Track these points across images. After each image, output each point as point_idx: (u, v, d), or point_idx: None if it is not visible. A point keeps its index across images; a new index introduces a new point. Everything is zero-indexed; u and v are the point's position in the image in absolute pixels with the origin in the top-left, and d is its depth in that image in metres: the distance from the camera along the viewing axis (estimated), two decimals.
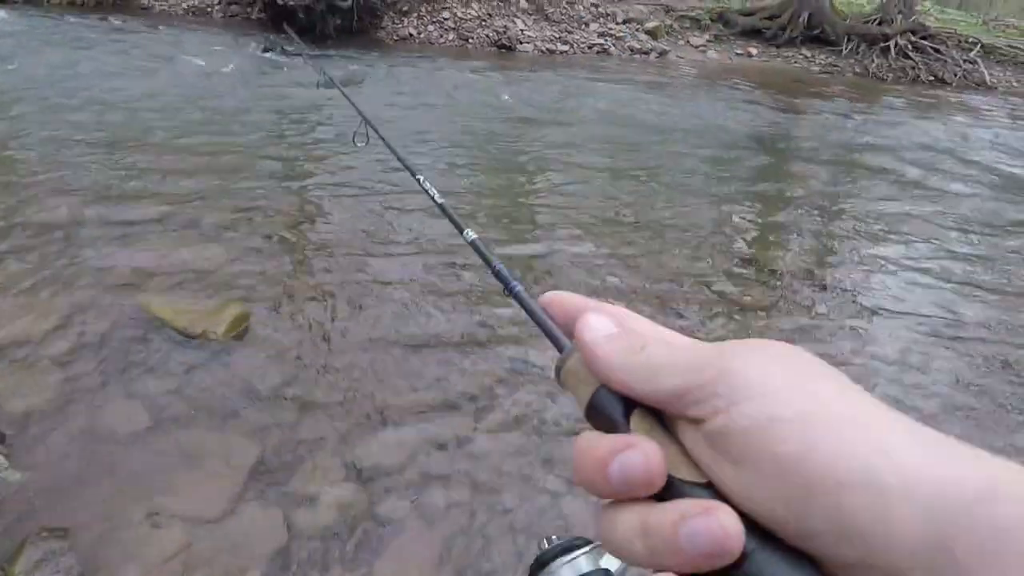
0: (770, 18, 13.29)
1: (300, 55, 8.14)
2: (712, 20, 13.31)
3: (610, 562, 0.50)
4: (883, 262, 4.16)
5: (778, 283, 3.68)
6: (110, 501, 1.87)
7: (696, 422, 0.25)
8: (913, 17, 13.45)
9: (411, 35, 10.60)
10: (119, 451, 2.06)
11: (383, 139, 0.75)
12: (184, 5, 10.06)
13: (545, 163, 5.43)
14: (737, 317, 3.28)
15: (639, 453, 0.24)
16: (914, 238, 4.62)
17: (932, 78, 12.61)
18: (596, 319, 0.29)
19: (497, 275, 0.41)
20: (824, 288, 3.70)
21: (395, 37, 10.46)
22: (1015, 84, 12.98)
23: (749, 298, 3.47)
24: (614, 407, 0.27)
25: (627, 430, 0.26)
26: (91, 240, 3.18)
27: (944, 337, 3.30)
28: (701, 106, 8.33)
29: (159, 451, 2.08)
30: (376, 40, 10.08)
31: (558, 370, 0.30)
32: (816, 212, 5.02)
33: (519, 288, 0.38)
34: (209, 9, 10.16)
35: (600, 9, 12.54)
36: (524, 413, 2.42)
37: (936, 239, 4.64)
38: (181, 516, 1.86)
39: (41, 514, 1.80)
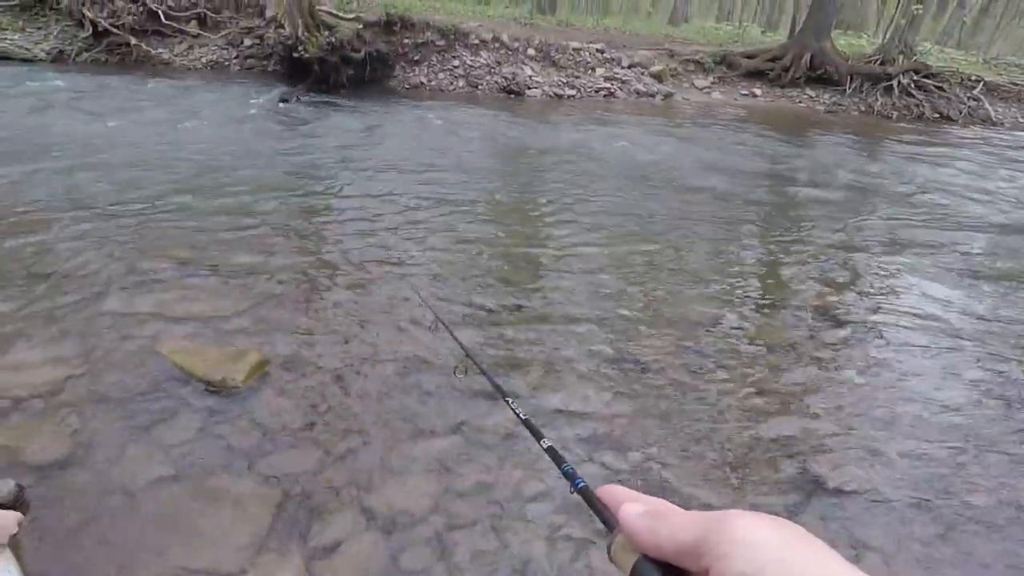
0: (772, 60, 13.60)
1: (314, 104, 8.42)
2: (716, 63, 13.64)
3: None
4: (896, 295, 4.11)
5: (794, 319, 3.63)
6: (129, 555, 1.82)
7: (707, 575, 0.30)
8: (914, 57, 13.72)
9: (422, 83, 10.93)
10: (138, 502, 2.02)
11: (483, 370, 0.87)
12: (204, 60, 10.48)
13: (555, 203, 5.48)
14: (752, 353, 3.22)
15: None
16: (927, 272, 4.57)
17: (937, 115, 12.76)
18: (632, 505, 0.37)
19: (566, 475, 0.50)
20: (838, 323, 3.64)
21: (407, 85, 10.78)
22: (1021, 120, 13.08)
23: (764, 334, 3.42)
24: (652, 572, 0.34)
25: None
26: (110, 289, 3.22)
27: (956, 371, 3.22)
28: (709, 145, 8.44)
29: (178, 502, 2.04)
30: (388, 89, 10.39)
31: (608, 546, 0.38)
32: (830, 247, 5.00)
33: (582, 484, 0.47)
34: (227, 63, 10.56)
35: (605, 55, 12.91)
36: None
37: (948, 271, 4.59)
38: (200, 571, 1.81)
39: (56, 568, 1.76)
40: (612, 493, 0.40)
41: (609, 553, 0.38)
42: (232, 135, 6.62)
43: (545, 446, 0.56)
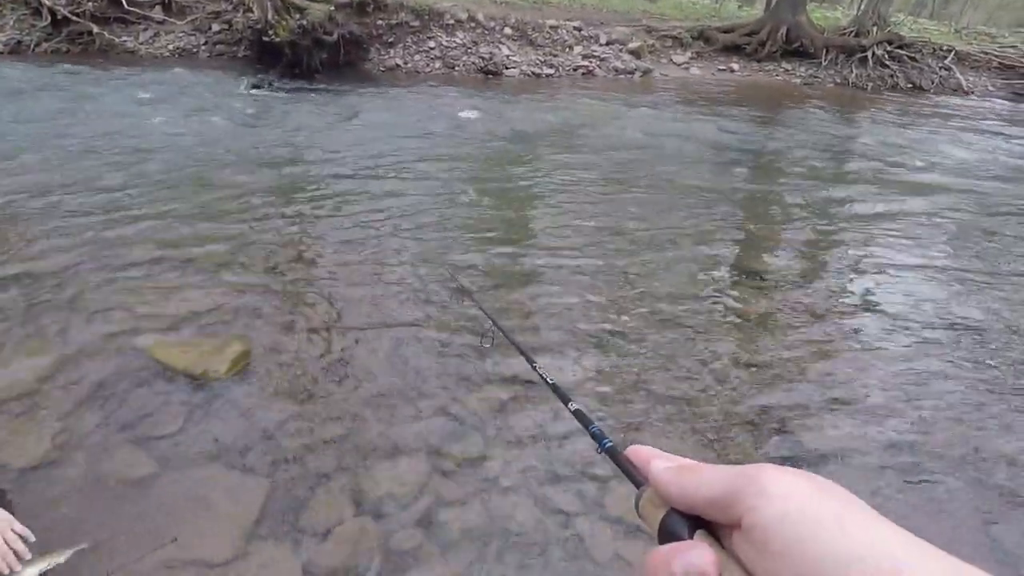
0: (749, 34, 13.59)
1: (287, 90, 8.25)
2: (693, 38, 13.59)
3: None
4: (875, 263, 4.20)
5: (776, 290, 3.69)
6: (118, 551, 1.82)
7: (737, 527, 0.31)
8: (888, 28, 13.80)
9: (398, 65, 10.75)
10: (124, 499, 2.01)
11: (509, 338, 0.88)
12: (170, 47, 10.16)
13: (538, 183, 5.47)
14: (738, 325, 3.28)
15: (698, 552, 0.31)
16: (904, 239, 4.67)
17: (910, 85, 12.89)
18: (662, 460, 0.39)
19: (593, 436, 0.51)
20: (820, 293, 3.72)
21: (382, 68, 10.60)
22: (990, 88, 13.27)
23: (748, 307, 3.48)
24: (680, 526, 0.35)
25: None
26: (87, 285, 3.16)
27: (940, 334, 3.31)
28: (688, 120, 8.45)
29: (166, 496, 2.03)
30: (363, 72, 10.21)
31: (637, 501, 0.39)
32: (809, 218, 5.07)
33: (610, 444, 0.48)
34: (195, 50, 10.26)
35: (583, 32, 12.78)
36: (532, 434, 2.40)
37: (925, 238, 4.69)
38: (192, 562, 1.82)
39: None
40: (639, 453, 0.41)
41: (637, 508, 0.39)
42: (203, 124, 6.47)
43: (573, 408, 0.58)
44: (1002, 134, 9.25)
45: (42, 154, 5.08)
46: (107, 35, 9.80)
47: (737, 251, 4.34)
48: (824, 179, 6.37)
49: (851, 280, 3.99)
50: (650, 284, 3.67)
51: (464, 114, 7.86)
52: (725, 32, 13.80)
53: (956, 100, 12.18)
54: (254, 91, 8.12)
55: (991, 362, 3.15)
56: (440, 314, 3.14)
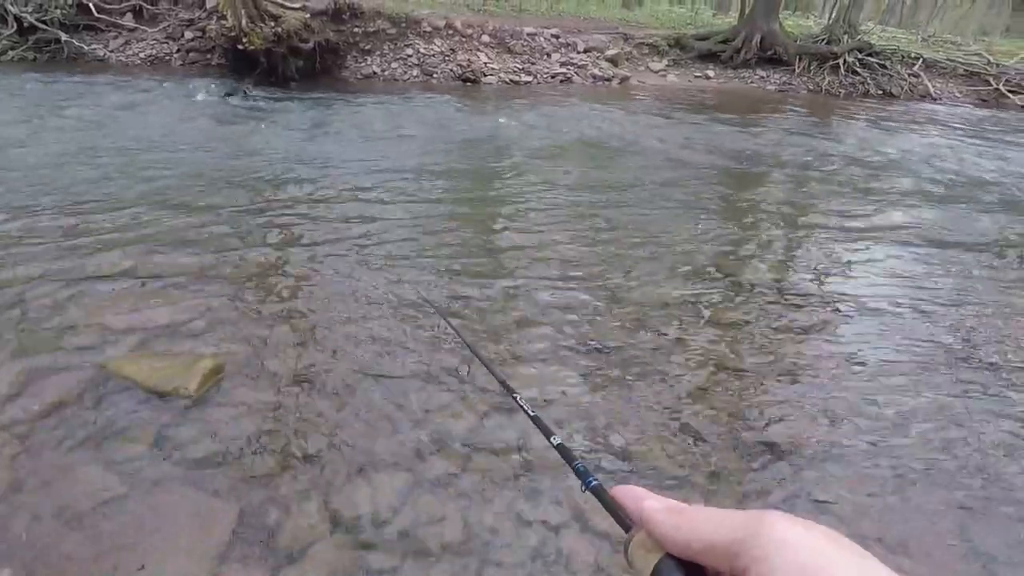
0: (724, 41, 13.82)
1: (262, 98, 8.15)
2: (670, 46, 13.77)
3: None
4: (849, 266, 4.25)
5: (751, 295, 3.72)
6: None
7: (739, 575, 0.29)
8: (858, 36, 14.14)
9: (375, 73, 10.69)
10: (90, 523, 1.93)
11: (490, 369, 0.83)
12: (142, 55, 9.98)
13: (513, 189, 5.45)
14: (713, 330, 3.28)
15: None
16: (877, 241, 4.75)
17: (881, 92, 13.21)
18: (655, 502, 0.36)
19: (577, 473, 0.48)
20: (795, 296, 3.75)
21: (359, 76, 10.54)
22: (957, 95, 13.66)
23: (722, 312, 3.49)
24: (675, 572, 0.33)
25: None
26: (48, 300, 3.05)
27: (911, 333, 3.36)
28: (666, 127, 8.53)
29: (133, 519, 1.95)
30: (340, 80, 10.14)
31: (626, 545, 0.37)
32: (784, 223, 5.13)
33: (595, 483, 0.45)
34: (168, 58, 10.09)
35: (560, 40, 12.87)
36: (512, 447, 2.36)
37: (897, 240, 4.77)
38: None
39: None
40: (628, 493, 0.39)
41: (626, 554, 0.37)
42: (176, 134, 6.34)
43: (555, 443, 0.55)
44: (972, 139, 9.51)
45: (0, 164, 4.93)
46: (76, 43, 9.60)
47: (716, 257, 4.36)
48: (802, 184, 6.47)
49: (827, 283, 4.03)
50: (620, 285, 3.66)
51: (443, 122, 7.84)
52: (701, 40, 14.01)
53: (926, 106, 12.51)
54: (228, 99, 8.00)
55: (962, 357, 3.19)
56: (418, 330, 3.09)
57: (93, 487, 2.06)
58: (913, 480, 2.39)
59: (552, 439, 0.55)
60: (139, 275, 3.36)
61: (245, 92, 8.39)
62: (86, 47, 9.68)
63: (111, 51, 9.91)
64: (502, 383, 0.74)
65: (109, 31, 10.15)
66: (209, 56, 10.15)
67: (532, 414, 0.62)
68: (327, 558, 1.90)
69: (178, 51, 10.22)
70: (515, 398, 0.68)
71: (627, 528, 0.38)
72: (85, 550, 1.84)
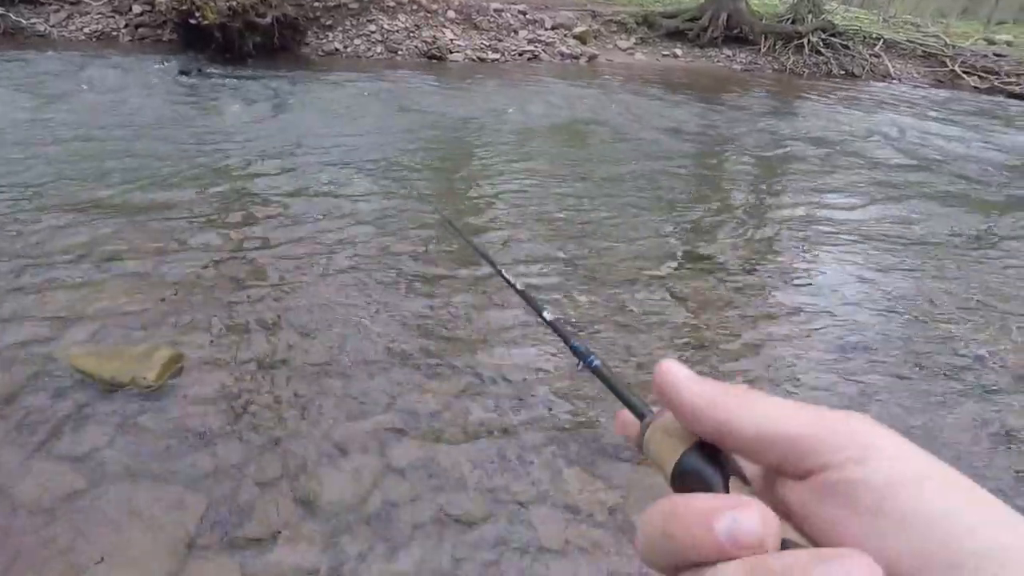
0: (692, 20, 13.83)
1: (218, 76, 7.83)
2: (637, 23, 13.72)
3: None
4: (817, 244, 4.36)
5: (722, 275, 3.78)
6: None
7: (802, 477, 0.25)
8: (822, 16, 14.32)
9: (337, 50, 10.38)
10: (48, 522, 1.86)
11: (465, 238, 0.81)
12: (87, 30, 9.44)
13: (483, 169, 5.40)
14: (683, 311, 3.34)
15: (755, 513, 0.23)
16: (842, 220, 4.87)
17: (843, 72, 13.45)
18: (677, 365, 0.29)
19: (575, 352, 0.42)
20: (764, 275, 3.83)
21: (321, 52, 10.21)
22: (915, 75, 14.01)
23: (692, 291, 3.54)
24: (710, 471, 0.26)
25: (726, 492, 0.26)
26: None
27: (880, 311, 3.48)
28: (634, 106, 8.53)
29: (95, 515, 1.89)
30: (301, 56, 9.80)
31: (641, 436, 0.31)
32: (751, 203, 5.21)
33: (597, 362, 0.39)
34: (115, 33, 9.58)
35: (528, 16, 12.68)
36: (485, 425, 2.37)
37: (862, 218, 4.91)
38: None
39: None
40: (658, 368, 0.30)
41: (642, 442, 0.31)
42: (127, 114, 6.06)
43: (548, 319, 0.48)
44: (929, 117, 9.79)
45: None
46: (13, 17, 9.02)
47: (684, 235, 4.41)
48: (765, 164, 6.57)
49: (793, 261, 4.13)
50: (592, 265, 3.68)
51: (408, 100, 7.68)
52: (668, 17, 13.99)
53: (886, 87, 12.80)
54: (181, 77, 7.66)
55: (920, 339, 3.32)
56: (387, 311, 3.05)
57: (50, 482, 1.99)
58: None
59: (544, 315, 0.49)
60: (91, 262, 3.22)
61: (200, 70, 8.05)
62: (24, 21, 9.11)
63: (52, 26, 9.35)
64: (487, 259, 0.70)
65: (50, 4, 9.56)
66: (160, 31, 9.67)
67: (520, 289, 0.57)
68: (298, 544, 1.89)
69: (126, 26, 9.70)
70: (500, 272, 0.64)
71: (641, 416, 0.32)
72: (40, 545, 1.78)
